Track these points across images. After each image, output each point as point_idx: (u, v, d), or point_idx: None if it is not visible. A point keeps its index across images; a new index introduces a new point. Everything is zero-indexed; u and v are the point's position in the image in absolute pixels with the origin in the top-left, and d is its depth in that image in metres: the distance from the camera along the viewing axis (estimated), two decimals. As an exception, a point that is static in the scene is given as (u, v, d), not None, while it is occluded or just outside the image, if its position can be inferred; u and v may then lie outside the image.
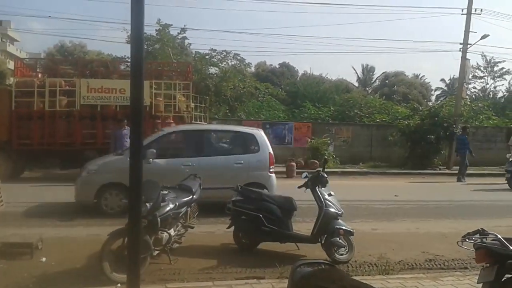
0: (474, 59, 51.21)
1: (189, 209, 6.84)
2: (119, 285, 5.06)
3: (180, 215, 6.45)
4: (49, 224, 8.22)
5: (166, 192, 6.20)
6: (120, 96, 14.75)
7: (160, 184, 6.12)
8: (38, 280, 5.43)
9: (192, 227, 6.99)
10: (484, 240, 3.74)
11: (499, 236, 3.72)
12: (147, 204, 5.44)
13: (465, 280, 5.61)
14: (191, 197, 6.71)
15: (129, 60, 3.33)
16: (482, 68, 42.91)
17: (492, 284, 3.65)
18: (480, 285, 3.81)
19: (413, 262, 6.68)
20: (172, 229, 6.17)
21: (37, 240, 6.50)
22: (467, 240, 3.81)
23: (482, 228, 3.86)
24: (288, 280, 1.44)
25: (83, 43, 49.86)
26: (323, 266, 1.54)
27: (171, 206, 6.05)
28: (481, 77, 43.40)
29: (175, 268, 5.98)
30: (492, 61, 41.80)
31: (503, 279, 3.66)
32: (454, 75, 44.70)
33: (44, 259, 6.19)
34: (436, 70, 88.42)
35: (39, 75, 16.58)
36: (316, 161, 18.87)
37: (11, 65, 34.77)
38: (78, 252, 6.48)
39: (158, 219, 5.64)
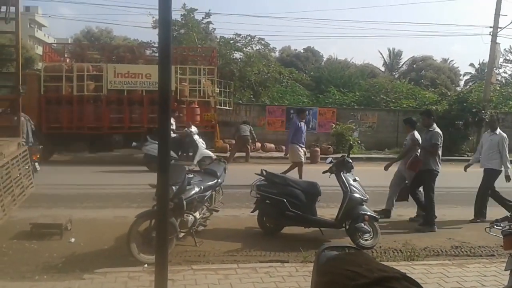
0: (506, 43, 49.62)
1: (214, 192, 6.92)
2: (146, 265, 5.16)
3: (205, 198, 6.54)
4: (77, 206, 8.41)
5: (191, 175, 6.29)
6: (146, 81, 14.91)
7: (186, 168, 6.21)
8: (67, 260, 5.58)
9: (217, 211, 7.08)
10: (513, 227, 3.68)
11: (528, 223, 3.66)
12: (173, 187, 5.54)
13: (492, 267, 5.55)
14: (216, 181, 6.79)
15: (155, 45, 3.34)
16: (514, 52, 41.63)
17: (521, 272, 3.60)
18: (508, 272, 3.76)
19: (439, 248, 6.63)
20: (197, 212, 6.27)
21: (66, 221, 6.66)
22: (495, 226, 3.76)
23: (511, 215, 3.81)
24: (313, 263, 1.45)
25: (109, 29, 50.30)
26: (349, 250, 1.54)
27: (197, 189, 6.15)
28: (512, 62, 42.14)
29: (200, 250, 6.08)
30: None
31: (531, 267, 3.61)
32: (483, 60, 43.43)
33: (73, 239, 6.36)
34: (465, 55, 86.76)
35: (67, 60, 16.86)
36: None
37: (39, 50, 35.33)
38: (106, 233, 6.64)
39: (184, 202, 5.73)
